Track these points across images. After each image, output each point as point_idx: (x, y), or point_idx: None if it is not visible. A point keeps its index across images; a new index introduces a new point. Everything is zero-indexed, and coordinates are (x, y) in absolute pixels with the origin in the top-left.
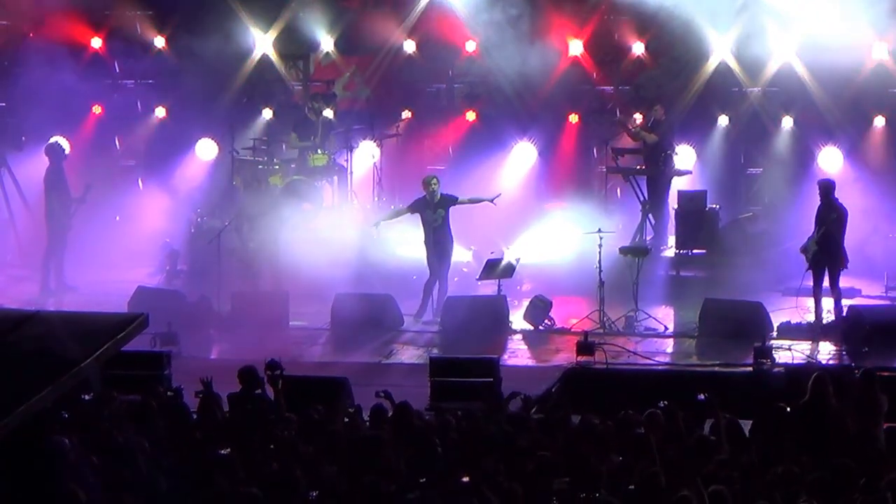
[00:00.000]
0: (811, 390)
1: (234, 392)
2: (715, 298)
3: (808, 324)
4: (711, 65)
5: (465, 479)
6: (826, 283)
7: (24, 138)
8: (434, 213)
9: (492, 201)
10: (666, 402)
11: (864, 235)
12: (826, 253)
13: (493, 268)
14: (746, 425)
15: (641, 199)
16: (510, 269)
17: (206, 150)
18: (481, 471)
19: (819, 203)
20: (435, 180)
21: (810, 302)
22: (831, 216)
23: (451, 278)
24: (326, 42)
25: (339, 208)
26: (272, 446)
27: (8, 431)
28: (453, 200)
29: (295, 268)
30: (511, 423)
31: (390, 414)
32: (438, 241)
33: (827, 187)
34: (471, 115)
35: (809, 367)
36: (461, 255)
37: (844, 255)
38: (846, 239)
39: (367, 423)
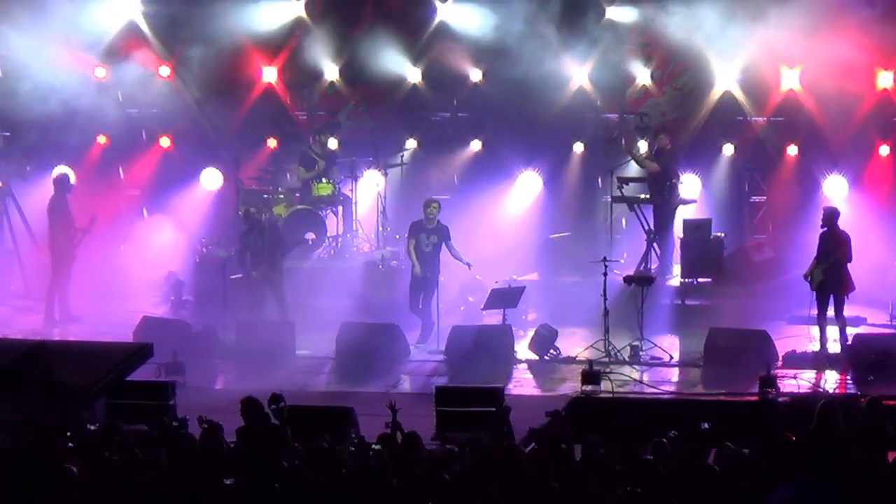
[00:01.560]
0: (819, 418)
1: (242, 426)
2: (720, 327)
3: (814, 352)
4: (717, 94)
5: None
6: (831, 311)
7: (28, 168)
8: (428, 237)
9: (468, 266)
10: (675, 433)
11: (868, 264)
12: (832, 281)
13: (497, 298)
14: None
15: (646, 227)
16: (515, 300)
17: (210, 179)
18: (488, 500)
19: (822, 230)
20: (435, 205)
21: (815, 330)
22: (839, 246)
23: (456, 307)
24: (331, 71)
25: (343, 237)
26: (278, 476)
27: (14, 460)
28: (446, 237)
29: (300, 297)
30: (517, 453)
31: (398, 443)
32: (425, 268)
33: (832, 215)
34: (476, 145)
35: (815, 396)
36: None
37: (850, 280)
38: (852, 264)
39: (373, 452)
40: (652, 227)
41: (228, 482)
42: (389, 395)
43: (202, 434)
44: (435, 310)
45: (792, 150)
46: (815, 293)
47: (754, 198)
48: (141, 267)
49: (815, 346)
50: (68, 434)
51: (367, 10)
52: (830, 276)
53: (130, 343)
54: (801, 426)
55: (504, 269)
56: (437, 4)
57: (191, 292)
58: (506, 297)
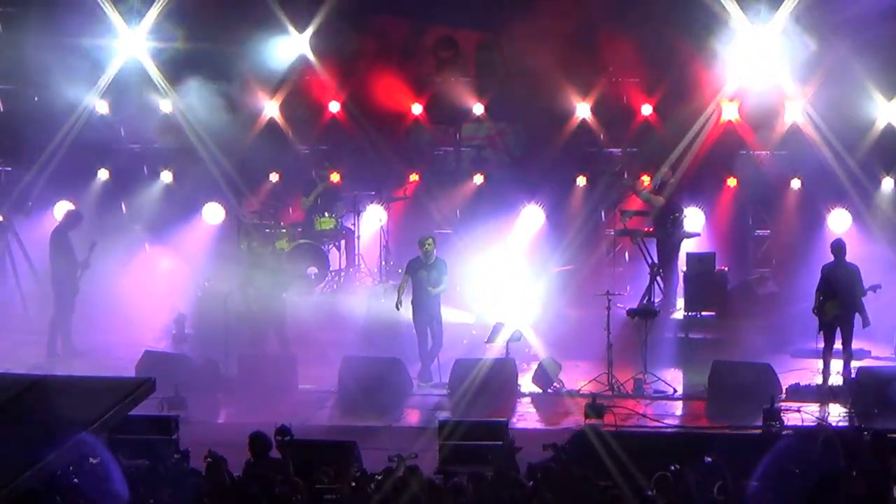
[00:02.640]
0: (821, 452)
1: (249, 461)
2: (724, 360)
3: (818, 386)
4: (719, 127)
5: None
6: (838, 344)
7: (30, 203)
8: (428, 273)
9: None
10: (677, 466)
11: (872, 297)
12: (847, 314)
13: (500, 331)
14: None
15: (650, 261)
16: (518, 334)
17: (212, 214)
18: None
19: (831, 264)
20: (430, 241)
21: (819, 363)
22: (857, 278)
23: (460, 341)
24: (333, 105)
25: (346, 271)
26: None
27: (17, 496)
28: (444, 271)
29: (302, 331)
30: (520, 487)
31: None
32: (425, 303)
33: (842, 248)
34: (478, 178)
35: (819, 430)
36: (464, 317)
37: (865, 314)
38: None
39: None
40: (656, 260)
41: None
42: (392, 430)
43: (206, 468)
44: (441, 337)
45: (795, 184)
46: (823, 328)
47: (758, 231)
48: (143, 301)
49: (819, 380)
50: (71, 470)
51: (369, 44)
52: (847, 308)
53: (133, 378)
54: (805, 460)
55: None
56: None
57: (192, 326)
58: (510, 334)
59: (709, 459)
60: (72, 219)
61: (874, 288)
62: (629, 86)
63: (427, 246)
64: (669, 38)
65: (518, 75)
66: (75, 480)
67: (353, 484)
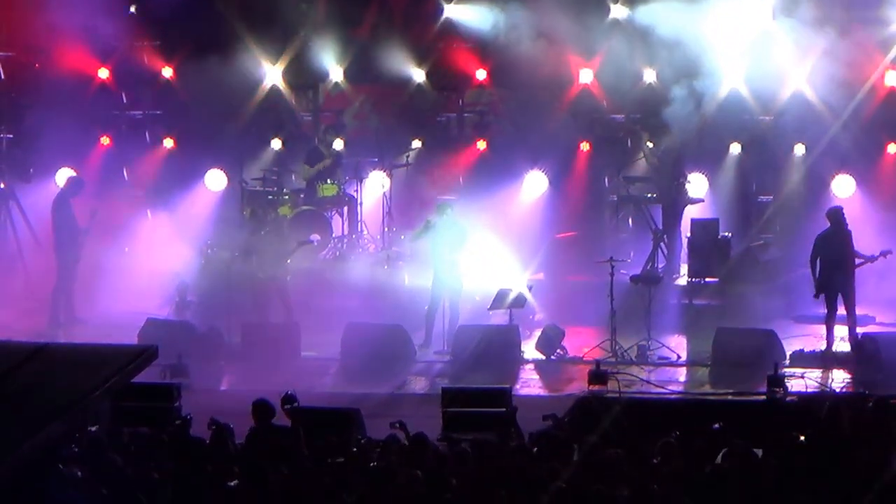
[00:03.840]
0: (826, 419)
1: (253, 428)
2: (727, 327)
3: (821, 352)
4: (723, 92)
5: None
6: (841, 310)
7: (31, 170)
8: (445, 240)
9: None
10: (679, 432)
11: (876, 263)
12: (849, 281)
13: (504, 298)
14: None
15: (653, 227)
16: (522, 300)
17: (215, 180)
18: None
19: (828, 231)
20: (450, 209)
21: (823, 329)
22: (851, 245)
23: (463, 308)
24: (336, 72)
25: (349, 238)
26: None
27: (19, 465)
28: (464, 238)
29: (305, 298)
30: (525, 454)
31: (405, 444)
32: (446, 271)
33: (840, 215)
34: (481, 145)
35: (822, 396)
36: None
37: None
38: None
39: (380, 454)
40: (659, 226)
41: (234, 484)
42: (396, 397)
43: (211, 436)
44: (458, 311)
45: (799, 150)
46: (824, 294)
47: (761, 197)
48: (145, 268)
49: (823, 346)
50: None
51: (371, 9)
52: (848, 276)
53: (135, 345)
54: (809, 426)
55: (510, 270)
56: (443, 4)
57: (195, 293)
58: (512, 299)
59: (717, 426)
60: (73, 185)
61: (885, 253)
62: (632, 50)
63: (447, 213)
64: None
65: (521, 41)
66: (76, 449)
67: (356, 450)
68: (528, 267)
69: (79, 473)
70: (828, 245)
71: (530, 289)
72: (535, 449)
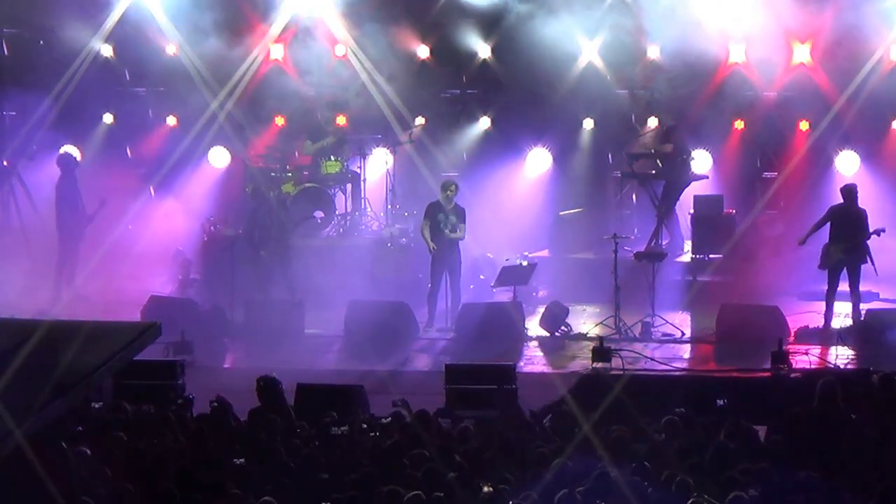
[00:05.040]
0: (819, 396)
1: (256, 407)
2: (732, 303)
3: (826, 328)
4: (726, 68)
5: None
6: (843, 287)
7: (34, 147)
8: (447, 218)
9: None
10: (682, 410)
11: (880, 240)
12: (855, 257)
13: (508, 274)
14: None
15: (657, 203)
16: (526, 276)
17: (218, 158)
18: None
19: (841, 206)
20: (454, 186)
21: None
22: (864, 223)
23: (466, 286)
24: (339, 48)
25: (352, 215)
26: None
27: (21, 442)
28: (463, 218)
29: (308, 275)
30: (528, 430)
31: (408, 422)
32: (444, 250)
33: (854, 191)
34: (485, 122)
35: (827, 372)
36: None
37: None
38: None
39: (383, 431)
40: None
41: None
42: (399, 373)
43: (211, 413)
44: (460, 290)
45: (803, 126)
46: (827, 270)
47: (766, 174)
48: (148, 246)
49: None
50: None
51: None
52: (854, 253)
53: (138, 322)
54: (811, 402)
55: (514, 247)
56: None
57: (198, 271)
58: (516, 274)
59: (721, 402)
60: (67, 163)
61: (878, 231)
62: (636, 27)
63: (450, 192)
64: None
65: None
66: (79, 429)
67: (364, 426)
68: (532, 244)
69: (87, 452)
70: (840, 218)
71: (535, 266)
72: (538, 428)
